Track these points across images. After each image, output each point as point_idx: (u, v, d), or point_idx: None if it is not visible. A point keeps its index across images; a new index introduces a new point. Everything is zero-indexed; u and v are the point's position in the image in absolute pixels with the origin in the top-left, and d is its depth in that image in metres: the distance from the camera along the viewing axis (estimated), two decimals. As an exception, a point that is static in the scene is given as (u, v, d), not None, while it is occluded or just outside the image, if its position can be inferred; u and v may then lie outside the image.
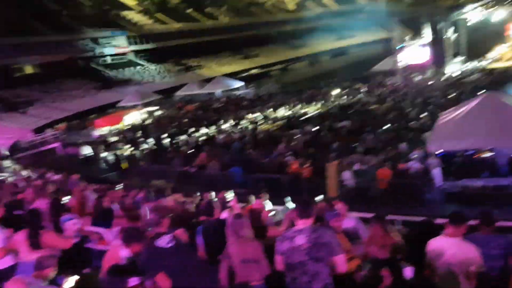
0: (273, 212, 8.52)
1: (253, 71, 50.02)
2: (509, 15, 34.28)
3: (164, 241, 3.68)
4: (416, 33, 36.88)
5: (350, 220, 5.66)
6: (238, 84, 37.37)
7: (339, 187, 11.55)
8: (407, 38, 36.75)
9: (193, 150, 17.42)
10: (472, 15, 33.87)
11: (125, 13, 50.00)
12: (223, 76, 40.54)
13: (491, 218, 4.46)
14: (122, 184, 11.90)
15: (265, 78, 46.49)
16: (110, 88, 40.32)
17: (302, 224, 3.50)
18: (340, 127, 18.08)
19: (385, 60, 36.65)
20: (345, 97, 27.27)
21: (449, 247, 3.89)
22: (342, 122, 18.81)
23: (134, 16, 50.35)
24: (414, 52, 34.12)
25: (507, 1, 32.38)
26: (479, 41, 36.37)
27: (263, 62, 51.83)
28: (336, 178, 11.55)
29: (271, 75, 49.77)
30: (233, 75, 42.58)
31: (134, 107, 31.59)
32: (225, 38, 51.10)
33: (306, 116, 22.27)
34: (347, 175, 11.61)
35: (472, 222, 4.56)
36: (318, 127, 18.47)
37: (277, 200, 9.35)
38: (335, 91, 29.59)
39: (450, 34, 33.73)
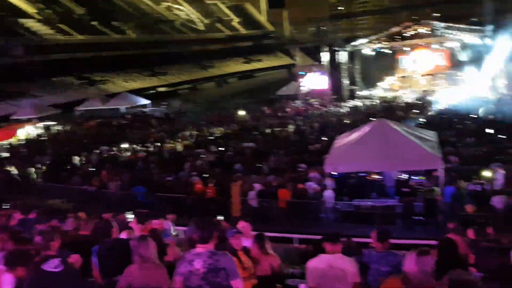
0: (175, 233, 8.53)
1: (161, 89, 49.43)
2: (398, 49, 37.80)
3: (52, 265, 3.51)
4: (317, 61, 39.21)
5: (248, 240, 5.80)
6: (145, 101, 36.69)
7: (243, 206, 11.82)
8: (309, 65, 38.95)
9: (95, 168, 16.75)
10: (366, 47, 36.76)
11: (24, 20, 46.94)
12: (128, 92, 39.59)
13: (385, 236, 4.80)
14: (10, 203, 10.99)
15: (173, 97, 46.13)
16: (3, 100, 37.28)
17: (201, 248, 3.53)
18: (245, 148, 18.50)
19: (289, 84, 38.35)
20: (250, 119, 28.01)
21: (326, 262, 4.11)
22: (247, 143, 19.28)
23: (33, 24, 47.43)
24: (315, 79, 36.20)
25: (396, 37, 35.63)
26: (372, 71, 39.47)
27: (171, 80, 51.44)
28: (240, 198, 11.82)
29: (179, 94, 49.51)
30: (140, 92, 41.66)
31: (29, 120, 29.57)
32: (132, 53, 49.98)
33: (213, 136, 22.53)
34: (250, 195, 11.94)
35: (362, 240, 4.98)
36: (223, 148, 18.75)
37: (182, 220, 9.36)
38: (241, 113, 30.26)
39: (347, 63, 36.31)
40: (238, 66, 61.30)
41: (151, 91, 46.58)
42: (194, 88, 53.79)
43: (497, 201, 9.97)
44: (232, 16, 67.00)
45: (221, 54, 60.21)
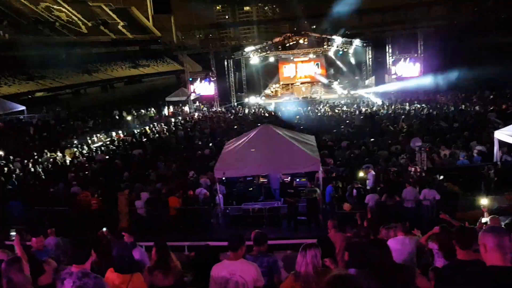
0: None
1: (39, 94, 45.93)
2: (281, 58, 39.78)
3: None
4: (205, 67, 39.68)
5: (136, 251, 5.75)
6: (20, 107, 33.82)
7: (131, 216, 11.57)
8: (197, 71, 39.21)
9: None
10: (252, 55, 38.10)
11: None
12: (1, 97, 36.21)
13: (262, 239, 5.01)
14: None
15: (54, 102, 43.15)
16: None
17: (75, 267, 3.41)
18: (133, 156, 18.06)
19: (178, 90, 38.19)
20: (138, 125, 27.38)
21: (227, 270, 4.21)
22: (135, 150, 18.82)
23: None
24: (203, 85, 36.57)
25: (279, 47, 37.48)
26: (258, 78, 41.02)
27: (51, 85, 48.02)
28: (127, 207, 11.55)
29: (60, 99, 46.46)
30: (14, 98, 38.31)
31: None
32: (5, 55, 45.72)
33: (98, 144, 21.61)
34: (138, 204, 11.73)
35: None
36: (110, 156, 18.11)
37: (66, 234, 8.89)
38: (128, 119, 29.46)
39: (234, 71, 37.29)
40: (124, 71, 59.27)
41: (28, 96, 43.10)
42: (77, 93, 50.87)
43: (370, 199, 10.98)
44: (118, 19, 64.68)
45: (106, 58, 57.71)
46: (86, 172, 15.31)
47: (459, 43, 36.63)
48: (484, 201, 8.69)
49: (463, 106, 25.22)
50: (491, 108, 22.39)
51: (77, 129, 26.09)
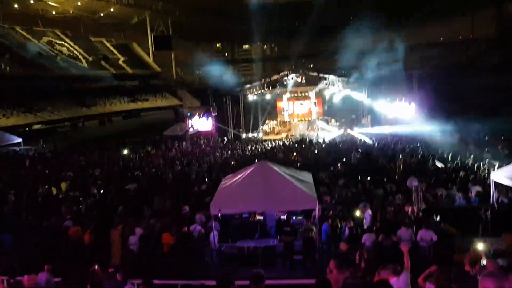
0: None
1: (37, 126, 46.05)
2: (278, 96, 40.32)
3: None
4: (203, 103, 40.11)
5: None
6: (17, 139, 33.85)
7: (124, 253, 11.34)
8: (195, 107, 39.58)
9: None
10: (250, 93, 38.62)
11: None
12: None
13: (259, 278, 5.00)
14: None
15: (51, 135, 43.22)
16: None
17: None
18: (128, 190, 17.91)
19: (176, 125, 38.45)
20: (135, 159, 27.31)
21: None
22: (130, 184, 18.69)
23: None
24: (201, 121, 36.83)
25: (277, 84, 38.05)
26: (255, 115, 41.45)
27: (49, 117, 48.20)
28: (120, 243, 11.34)
29: (58, 132, 46.57)
30: (12, 130, 38.40)
31: None
32: (5, 88, 46.04)
33: (93, 177, 21.44)
34: (132, 240, 11.53)
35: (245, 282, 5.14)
36: (105, 189, 17.95)
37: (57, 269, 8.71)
38: (125, 152, 29.43)
39: (232, 107, 37.69)
40: (123, 105, 59.73)
41: (26, 129, 43.21)
42: (75, 126, 51.03)
43: (366, 239, 10.87)
44: (118, 55, 65.74)
45: (106, 92, 58.24)
46: (80, 206, 15.12)
47: (453, 85, 37.22)
48: (480, 245, 8.61)
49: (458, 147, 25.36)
50: (487, 149, 22.52)
51: (74, 162, 25.97)
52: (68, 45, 60.33)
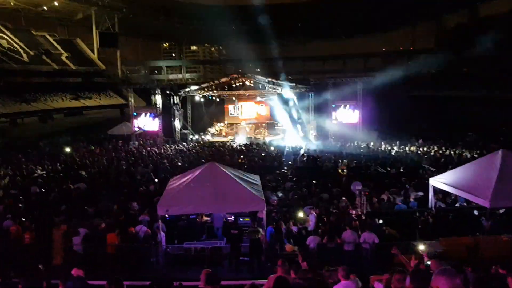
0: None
1: (-28, 122, 43.41)
2: (226, 98, 40.37)
3: None
4: (149, 103, 39.45)
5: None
6: None
7: (66, 253, 10.97)
8: (142, 106, 38.86)
9: None
10: (198, 94, 38.39)
11: None
12: None
13: (216, 279, 5.08)
14: None
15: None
16: None
17: None
18: (71, 189, 17.31)
19: (121, 124, 37.55)
20: (78, 158, 26.38)
21: None
22: (74, 184, 18.06)
23: None
24: (147, 120, 36.22)
25: (225, 87, 38.07)
26: (203, 116, 41.28)
27: (-14, 113, 45.48)
28: (63, 243, 10.97)
29: (-5, 127, 44.06)
30: None
31: None
32: None
33: (34, 175, 20.53)
34: (76, 240, 11.19)
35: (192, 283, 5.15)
36: (46, 188, 17.25)
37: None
38: (68, 150, 28.36)
39: (179, 108, 37.28)
40: (65, 102, 57.46)
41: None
42: (14, 122, 48.54)
43: (311, 241, 11.15)
44: (61, 50, 63.21)
45: (47, 88, 55.81)
46: (20, 205, 14.46)
47: (394, 93, 38.93)
48: (421, 246, 9.07)
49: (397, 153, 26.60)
50: (425, 156, 23.74)
51: (12, 159, 24.72)
52: (8, 38, 57.32)
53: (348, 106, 35.54)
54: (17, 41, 57.99)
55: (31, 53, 57.87)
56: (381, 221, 12.43)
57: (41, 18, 66.98)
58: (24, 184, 18.12)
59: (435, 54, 45.63)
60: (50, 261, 10.31)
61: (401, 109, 35.55)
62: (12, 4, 59.64)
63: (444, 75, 43.51)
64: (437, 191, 13.33)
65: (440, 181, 12.74)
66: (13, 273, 7.24)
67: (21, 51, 56.84)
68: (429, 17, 61.25)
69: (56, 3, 61.00)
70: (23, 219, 12.55)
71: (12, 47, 56.30)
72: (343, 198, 14.45)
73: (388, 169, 20.63)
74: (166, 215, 11.98)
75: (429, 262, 7.59)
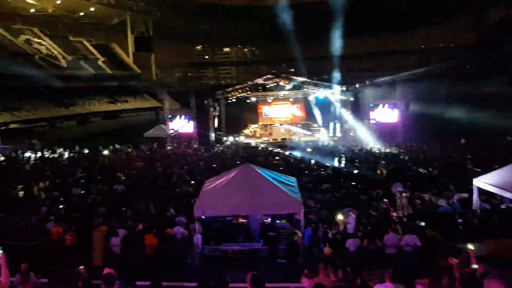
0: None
1: (14, 126, 44.93)
2: (260, 99, 40.28)
3: None
4: (184, 105, 39.78)
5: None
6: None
7: (106, 254, 11.05)
8: (176, 109, 39.23)
9: None
10: (232, 96, 38.45)
11: None
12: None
13: (260, 281, 4.96)
14: None
15: (29, 134, 42.24)
16: None
17: None
18: (110, 191, 17.56)
19: (156, 127, 38.03)
20: (115, 160, 26.84)
21: None
22: (112, 185, 18.32)
23: None
24: (182, 123, 36.52)
25: (259, 88, 37.99)
26: (237, 118, 41.27)
27: (26, 117, 47.10)
28: (102, 245, 11.05)
29: (34, 131, 45.55)
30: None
31: None
32: (-21, 85, 44.82)
33: (74, 178, 20.95)
34: (115, 241, 11.24)
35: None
36: (86, 190, 17.54)
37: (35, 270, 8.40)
38: (105, 153, 28.93)
39: (213, 110, 37.44)
40: (102, 105, 58.87)
41: (2, 128, 42.10)
42: (53, 126, 50.07)
43: (351, 244, 10.81)
44: (98, 55, 64.82)
45: (85, 92, 57.36)
46: (61, 207, 14.72)
47: (435, 91, 37.82)
48: (471, 246, 8.60)
49: (440, 153, 25.74)
50: (468, 156, 22.85)
51: (52, 162, 25.38)
52: (46, 44, 59.21)
53: (386, 105, 34.70)
54: (55, 46, 59.81)
55: (69, 58, 59.55)
56: (423, 223, 11.94)
57: (78, 24, 68.85)
58: (64, 186, 18.46)
59: (476, 50, 44.07)
60: (90, 262, 10.38)
61: (441, 107, 34.42)
62: (50, 10, 61.61)
63: (486, 72, 41.95)
64: (481, 192, 12.78)
65: (484, 182, 12.21)
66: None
67: (59, 56, 58.56)
68: (470, 12, 59.21)
69: (92, 9, 62.62)
70: (64, 221, 12.73)
71: (50, 53, 58.10)
72: (385, 200, 14.00)
73: (430, 169, 19.96)
74: (202, 217, 11.92)
75: (475, 266, 7.20)
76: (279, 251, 11.50)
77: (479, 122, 30.36)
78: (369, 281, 7.29)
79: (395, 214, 12.35)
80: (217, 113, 38.87)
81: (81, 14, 64.84)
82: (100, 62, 63.68)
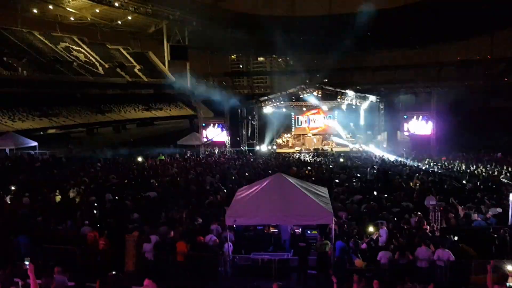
0: None
1: (52, 131, 46.57)
2: (294, 109, 40.31)
3: None
4: (218, 114, 40.24)
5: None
6: (32, 143, 34.22)
7: (139, 260, 11.28)
8: (210, 117, 39.75)
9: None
10: (266, 105, 38.61)
11: None
12: (15, 132, 36.93)
13: None
14: None
15: (66, 140, 43.66)
16: None
17: None
18: (143, 197, 17.90)
19: (190, 135, 38.58)
20: (149, 167, 27.34)
21: None
22: (145, 192, 18.67)
23: None
24: (216, 131, 36.96)
25: (292, 98, 38.06)
26: (270, 127, 41.38)
27: (64, 123, 48.74)
28: (135, 250, 11.27)
29: (72, 137, 47.06)
30: (27, 133, 38.87)
31: None
32: (22, 92, 46.64)
33: (108, 183, 21.48)
34: (147, 248, 11.47)
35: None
36: (120, 196, 17.95)
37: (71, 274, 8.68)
38: (139, 160, 29.51)
39: (247, 119, 37.74)
40: (137, 113, 60.30)
41: (41, 133, 43.70)
42: (90, 132, 51.55)
43: (382, 256, 10.69)
44: (134, 63, 66.49)
45: (121, 99, 58.94)
46: (95, 211, 15.14)
47: (471, 105, 36.96)
48: (510, 267, 8.37)
49: (474, 167, 25.08)
50: (504, 170, 22.21)
51: (88, 167, 26.09)
52: (85, 52, 61.19)
53: (421, 117, 34.12)
54: (93, 54, 61.78)
55: (106, 66, 61.35)
56: (456, 238, 11.68)
57: (116, 32, 71.05)
58: (99, 191, 18.93)
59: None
60: (123, 267, 10.62)
61: (478, 120, 33.59)
62: (89, 19, 63.70)
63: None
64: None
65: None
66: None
67: (97, 64, 60.43)
68: (508, 24, 57.63)
69: (129, 18, 64.31)
70: (98, 225, 13.08)
71: (88, 60, 60.02)
72: (419, 213, 13.77)
73: (464, 182, 19.49)
74: (234, 225, 12.04)
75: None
76: (309, 261, 11.45)
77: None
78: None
79: (428, 227, 12.12)
80: (251, 122, 39.18)
81: (119, 22, 66.76)
82: (136, 70, 65.28)
